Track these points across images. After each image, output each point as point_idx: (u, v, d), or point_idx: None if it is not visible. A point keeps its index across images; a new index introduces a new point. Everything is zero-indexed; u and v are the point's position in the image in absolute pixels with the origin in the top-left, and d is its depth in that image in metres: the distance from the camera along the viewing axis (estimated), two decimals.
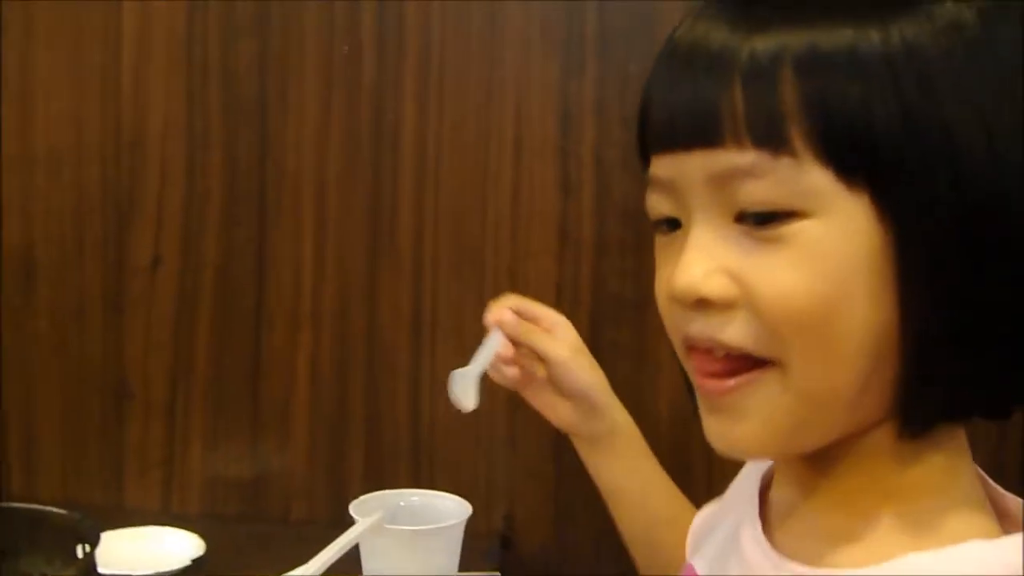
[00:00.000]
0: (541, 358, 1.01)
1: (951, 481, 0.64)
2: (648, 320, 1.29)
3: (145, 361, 1.35)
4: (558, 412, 1.04)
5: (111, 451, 1.37)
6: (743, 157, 0.60)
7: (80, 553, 0.97)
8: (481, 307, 1.30)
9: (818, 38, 0.60)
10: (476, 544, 1.21)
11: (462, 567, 1.18)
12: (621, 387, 1.30)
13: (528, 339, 1.01)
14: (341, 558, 1.05)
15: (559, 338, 1.02)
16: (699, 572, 0.76)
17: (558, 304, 1.30)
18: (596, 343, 1.30)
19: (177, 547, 1.23)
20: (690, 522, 0.93)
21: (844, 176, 0.59)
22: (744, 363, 0.62)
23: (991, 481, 0.67)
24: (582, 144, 1.28)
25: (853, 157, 0.59)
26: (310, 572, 1.01)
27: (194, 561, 1.20)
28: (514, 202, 1.30)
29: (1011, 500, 0.67)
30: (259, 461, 1.35)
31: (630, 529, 1.04)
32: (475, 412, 1.27)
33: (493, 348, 1.00)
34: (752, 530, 0.69)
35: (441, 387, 1.29)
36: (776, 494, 0.71)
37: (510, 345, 1.00)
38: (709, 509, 0.89)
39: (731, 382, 0.63)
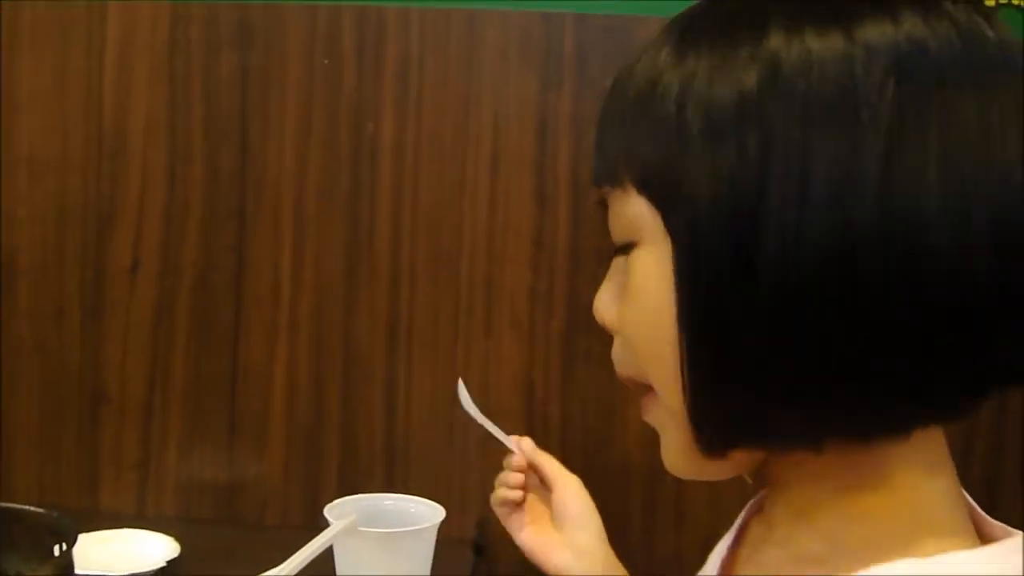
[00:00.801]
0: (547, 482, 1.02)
1: (920, 504, 0.63)
2: None
3: (123, 365, 1.37)
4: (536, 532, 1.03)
5: (87, 454, 1.38)
6: (603, 191, 0.66)
7: (56, 552, 0.98)
8: (457, 316, 1.34)
9: (639, 87, 0.65)
10: (449, 550, 1.23)
11: (435, 573, 1.20)
12: (594, 396, 1.33)
13: (534, 455, 1.02)
14: (315, 561, 1.06)
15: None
16: None
17: (532, 312, 1.33)
18: (570, 352, 1.33)
19: (151, 549, 1.24)
20: None
21: (651, 202, 0.63)
22: (645, 386, 0.65)
23: (979, 510, 0.67)
24: (558, 157, 1.30)
25: (648, 185, 0.63)
26: (284, 573, 1.03)
27: (169, 563, 1.22)
28: (490, 212, 1.32)
29: (999, 528, 0.66)
30: (235, 466, 1.37)
31: None
32: (450, 420, 1.29)
33: (503, 437, 1.03)
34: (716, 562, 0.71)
35: (417, 394, 1.33)
36: (754, 526, 0.71)
37: (523, 462, 1.01)
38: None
39: (643, 403, 0.66)
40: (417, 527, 1.13)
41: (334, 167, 1.33)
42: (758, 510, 0.71)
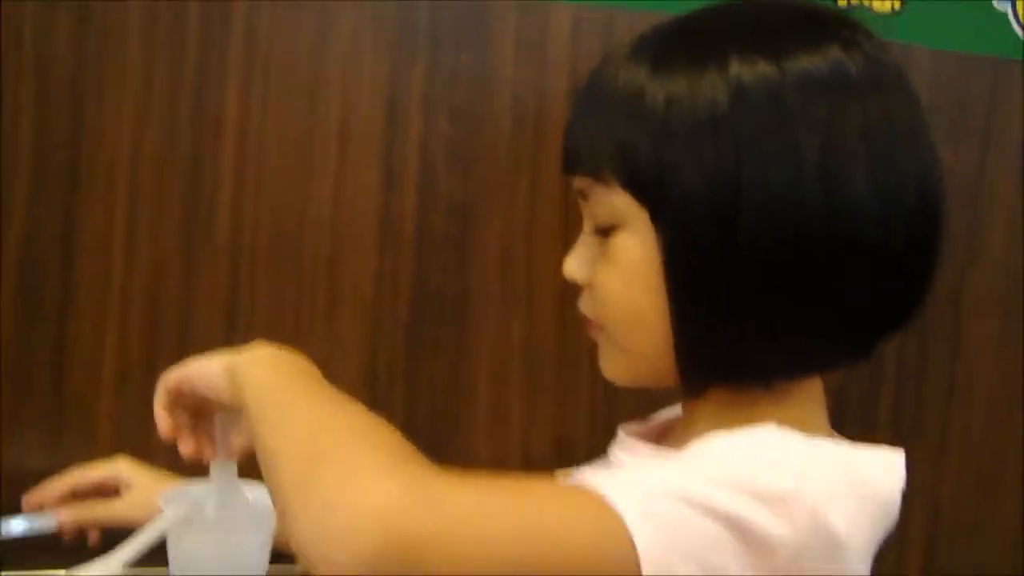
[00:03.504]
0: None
1: (795, 414, 0.83)
2: (469, 316, 1.30)
3: None
4: None
5: None
6: (583, 183, 0.86)
7: None
8: (300, 300, 1.29)
9: (624, 97, 0.83)
10: None
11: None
12: (440, 383, 1.31)
13: (97, 522, 1.18)
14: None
15: (124, 492, 1.18)
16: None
17: (377, 297, 1.29)
18: (416, 338, 1.30)
19: None
20: None
21: (638, 199, 0.82)
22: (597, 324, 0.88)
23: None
24: (407, 140, 1.27)
25: (635, 186, 0.82)
26: (109, 571, 0.97)
27: None
28: (336, 196, 1.28)
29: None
30: (60, 452, 1.29)
31: None
32: None
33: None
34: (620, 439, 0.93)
35: None
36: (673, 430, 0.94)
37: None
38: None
39: (591, 330, 0.90)
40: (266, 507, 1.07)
41: (174, 140, 1.27)
42: (670, 427, 0.96)
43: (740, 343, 0.82)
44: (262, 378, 0.87)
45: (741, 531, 0.70)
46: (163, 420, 1.00)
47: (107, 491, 1.18)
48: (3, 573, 1.13)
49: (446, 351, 1.30)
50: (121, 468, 1.19)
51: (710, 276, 0.80)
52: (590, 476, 0.74)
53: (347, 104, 1.27)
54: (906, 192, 0.81)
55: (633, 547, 0.68)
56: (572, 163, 0.88)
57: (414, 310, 1.29)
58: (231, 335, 1.28)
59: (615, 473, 0.82)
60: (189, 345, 1.28)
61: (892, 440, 0.82)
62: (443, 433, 1.32)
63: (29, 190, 1.27)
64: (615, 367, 0.89)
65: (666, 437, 0.95)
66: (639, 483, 0.72)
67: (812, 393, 0.87)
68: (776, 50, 0.80)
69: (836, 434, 0.88)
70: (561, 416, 1.31)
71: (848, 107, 0.80)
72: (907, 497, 0.80)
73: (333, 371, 1.27)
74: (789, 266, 0.79)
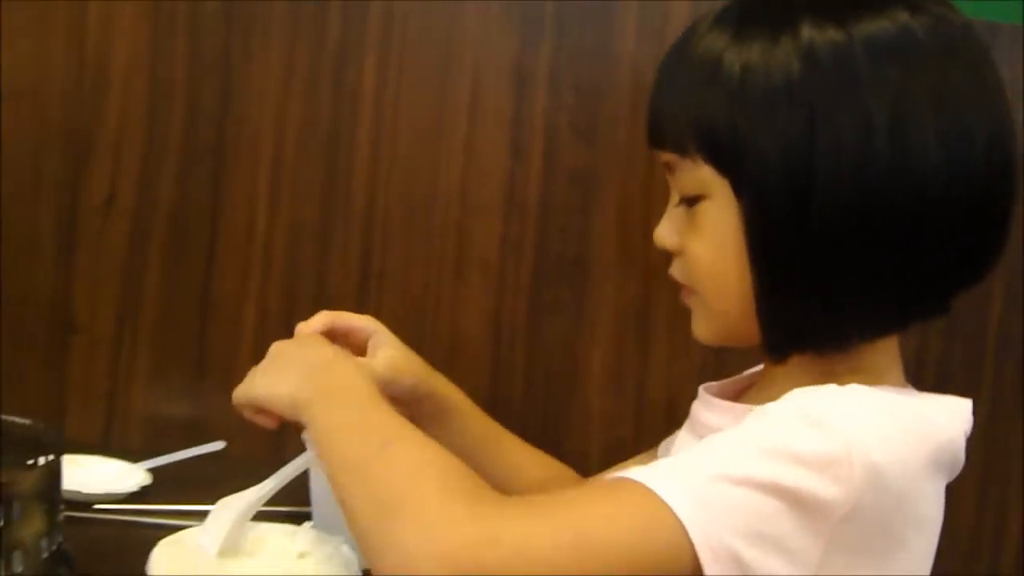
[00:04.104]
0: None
1: (870, 370, 0.86)
2: (588, 279, 1.37)
3: (93, 298, 1.38)
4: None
5: (54, 383, 1.39)
6: (668, 157, 0.89)
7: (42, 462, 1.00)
8: (429, 263, 1.37)
9: (703, 66, 0.86)
10: None
11: None
12: (559, 343, 1.38)
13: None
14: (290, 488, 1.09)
15: (378, 350, 1.11)
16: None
17: (502, 260, 1.37)
18: (537, 300, 1.38)
19: (122, 475, 1.26)
20: (548, 467, 1.19)
21: (719, 171, 0.85)
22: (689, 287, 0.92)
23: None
24: (534, 112, 1.35)
25: (716, 158, 0.85)
26: (263, 492, 1.05)
27: (142, 488, 1.24)
28: (465, 165, 1.36)
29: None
30: (202, 400, 1.39)
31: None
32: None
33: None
34: (702, 398, 0.96)
35: None
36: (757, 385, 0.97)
37: None
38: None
39: (684, 294, 0.93)
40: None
41: (314, 111, 1.36)
42: (750, 385, 0.98)
43: (819, 310, 0.83)
44: (324, 422, 0.93)
45: (791, 499, 0.72)
46: (260, 420, 1.04)
47: (355, 340, 1.13)
48: (152, 506, 1.21)
49: (565, 313, 1.37)
50: (376, 327, 1.13)
51: (788, 243, 0.82)
52: (635, 470, 0.76)
53: (477, 80, 1.35)
54: (975, 151, 0.82)
55: (687, 536, 0.70)
56: (657, 138, 0.91)
57: (536, 273, 1.37)
58: (363, 293, 1.37)
59: (658, 464, 0.80)
60: (324, 304, 1.37)
61: None
62: (560, 390, 1.39)
63: (179, 162, 1.37)
64: (705, 328, 0.92)
65: (746, 394, 0.98)
66: (683, 470, 0.74)
67: (888, 350, 0.89)
68: (846, 16, 0.82)
69: (909, 386, 0.89)
70: (672, 375, 1.37)
71: (916, 71, 0.81)
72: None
73: (459, 331, 1.38)
74: (863, 231, 0.80)
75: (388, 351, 1.12)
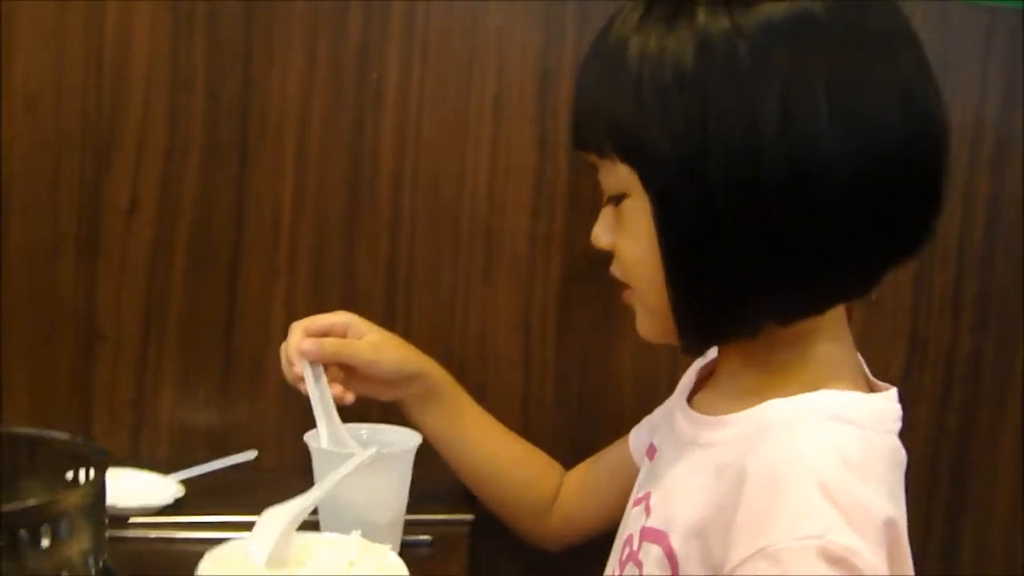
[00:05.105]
0: (348, 364, 1.15)
1: (818, 359, 0.88)
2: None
3: (118, 303, 1.36)
4: (381, 394, 1.19)
5: (80, 391, 1.37)
6: (590, 157, 0.91)
7: (84, 479, 0.97)
8: (456, 259, 1.36)
9: (611, 58, 0.86)
10: (453, 488, 1.26)
11: (439, 510, 1.23)
12: (588, 337, 1.37)
13: (337, 357, 1.14)
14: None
15: (359, 339, 1.16)
16: (656, 444, 1.03)
17: (531, 258, 1.35)
18: (566, 294, 1.36)
19: (155, 487, 1.24)
20: (530, 456, 1.25)
21: (631, 167, 0.85)
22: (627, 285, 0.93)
23: (868, 372, 0.93)
24: (559, 105, 1.33)
25: (625, 155, 0.86)
26: (308, 502, 1.03)
27: (176, 500, 1.22)
28: (492, 158, 1.34)
29: (882, 385, 0.91)
30: (230, 408, 1.37)
31: (467, 471, 1.24)
32: (447, 361, 1.30)
33: (316, 389, 1.12)
34: (680, 401, 0.99)
35: (415, 337, 1.33)
36: (711, 373, 1.00)
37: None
38: (667, 403, 1.11)
39: (624, 293, 0.94)
40: (396, 449, 1.14)
41: (338, 109, 1.33)
42: (708, 375, 1.01)
43: (724, 300, 0.85)
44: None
45: None
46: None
47: (336, 336, 1.16)
48: (189, 518, 1.20)
49: (595, 309, 1.35)
50: (350, 318, 1.17)
51: (687, 235, 0.83)
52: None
53: (502, 74, 1.33)
54: (879, 132, 0.81)
55: None
56: (578, 141, 0.93)
57: (565, 270, 1.35)
58: (391, 294, 1.35)
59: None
60: (352, 305, 1.35)
61: None
62: (592, 387, 1.37)
63: (202, 163, 1.34)
64: (645, 326, 0.93)
65: (704, 387, 1.00)
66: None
67: (831, 333, 0.89)
68: (743, 2, 0.81)
69: (857, 368, 0.91)
70: None
71: (810, 53, 0.80)
72: None
73: (489, 329, 1.36)
74: (760, 218, 0.80)
75: (370, 336, 1.17)
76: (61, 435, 1.00)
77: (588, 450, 1.26)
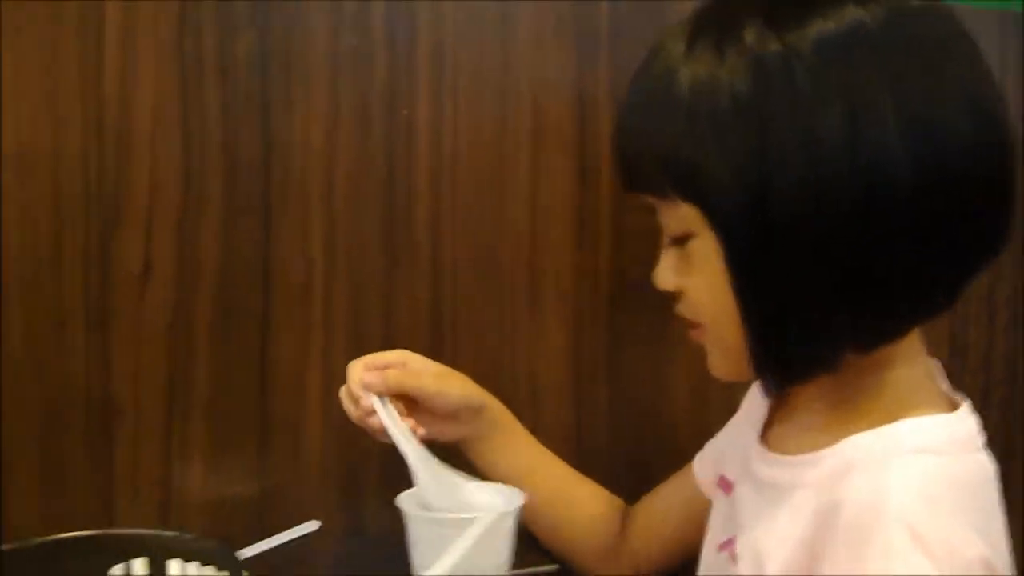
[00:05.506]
0: (412, 397, 1.11)
1: (898, 383, 0.86)
2: (667, 307, 1.31)
3: (136, 375, 1.24)
4: (446, 432, 1.15)
5: (99, 477, 1.25)
6: (646, 199, 0.88)
7: None
8: (501, 305, 1.30)
9: (659, 90, 0.83)
10: (532, 538, 1.21)
11: (519, 562, 1.17)
12: (639, 372, 1.33)
13: (401, 387, 1.10)
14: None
15: (419, 372, 1.13)
16: (730, 478, 1.00)
17: (577, 294, 1.31)
18: (615, 330, 1.32)
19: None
20: (594, 494, 1.22)
21: (695, 206, 0.82)
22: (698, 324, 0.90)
23: (946, 383, 0.91)
24: (599, 134, 1.28)
25: (688, 194, 0.82)
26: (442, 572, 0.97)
27: None
28: (532, 195, 1.28)
29: (959, 396, 0.90)
30: (266, 477, 1.28)
31: (529, 512, 1.15)
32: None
33: (391, 423, 1.08)
34: (753, 437, 0.97)
35: None
36: (783, 405, 0.96)
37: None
38: (724, 432, 1.12)
39: (693, 333, 0.92)
40: (501, 511, 1.08)
41: (367, 156, 1.25)
42: (777, 404, 0.97)
43: (801, 336, 0.81)
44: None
45: None
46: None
47: None
48: None
49: (646, 342, 1.32)
50: (408, 354, 1.14)
51: (763, 272, 0.80)
52: None
53: (537, 104, 1.27)
54: (946, 140, 0.78)
55: None
56: (630, 182, 0.89)
57: (613, 303, 1.31)
58: (437, 345, 1.28)
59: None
60: None
61: None
62: (646, 421, 1.34)
63: (221, 221, 1.24)
64: (719, 366, 0.91)
65: (773, 426, 0.97)
66: None
67: (911, 352, 0.87)
68: (792, 22, 0.78)
69: (938, 388, 0.89)
70: None
71: (869, 67, 0.77)
72: None
73: (538, 369, 1.31)
74: (832, 247, 0.77)
75: (431, 368, 1.14)
76: (187, 535, 1.02)
77: (645, 482, 1.23)
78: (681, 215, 0.84)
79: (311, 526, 1.24)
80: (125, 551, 1.01)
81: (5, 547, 0.96)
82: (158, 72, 1.21)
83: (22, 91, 1.20)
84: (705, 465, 1.14)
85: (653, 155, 0.84)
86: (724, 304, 0.83)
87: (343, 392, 1.11)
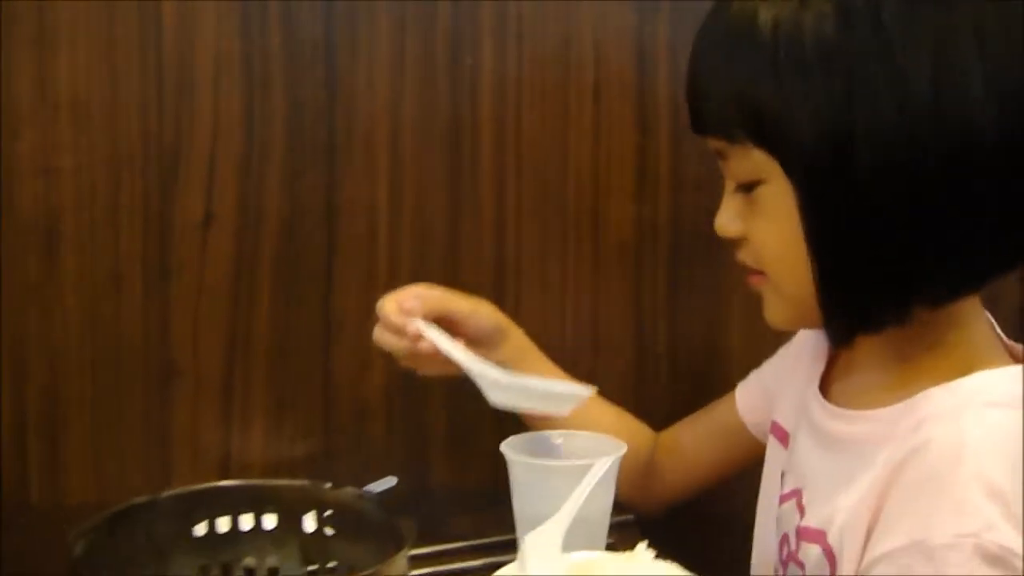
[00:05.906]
0: (448, 319, 1.07)
1: (965, 340, 0.84)
2: (724, 255, 1.32)
3: (195, 333, 1.21)
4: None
5: (156, 439, 1.21)
6: (717, 143, 0.86)
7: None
8: (565, 250, 1.29)
9: (738, 31, 0.81)
10: None
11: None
12: (697, 318, 1.34)
13: (442, 307, 1.07)
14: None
15: (451, 296, 1.09)
16: (785, 427, 0.99)
17: (638, 242, 1.31)
18: (674, 277, 1.32)
19: None
20: (622, 420, 1.19)
21: (769, 153, 0.81)
22: (759, 271, 0.88)
23: (1005, 338, 0.89)
24: (658, 85, 1.28)
25: (763, 140, 0.81)
26: (564, 523, 0.95)
27: None
28: (594, 145, 1.28)
29: (1019, 348, 0.89)
30: (330, 436, 1.25)
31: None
32: (562, 361, 1.23)
33: (443, 340, 1.04)
34: (813, 390, 0.94)
35: (525, 331, 1.24)
36: (843, 359, 0.94)
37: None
38: (770, 370, 1.12)
39: (753, 279, 0.90)
40: (613, 456, 1.06)
41: (431, 102, 1.23)
42: (835, 357, 0.95)
43: (876, 287, 0.81)
44: None
45: None
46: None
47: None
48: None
49: (703, 289, 1.32)
50: (430, 285, 1.10)
51: (840, 221, 0.79)
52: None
53: (598, 55, 1.27)
54: None
55: None
56: (700, 125, 0.88)
57: (672, 252, 1.31)
58: (500, 293, 1.26)
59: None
60: None
61: None
62: (703, 365, 1.34)
63: (285, 168, 1.21)
64: (777, 313, 0.89)
65: (833, 381, 0.95)
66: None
67: (975, 310, 0.86)
68: None
69: (1003, 342, 0.88)
70: None
71: (953, 12, 0.77)
72: None
73: (600, 317, 1.31)
74: (916, 197, 0.77)
75: (459, 294, 1.10)
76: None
77: None
78: (752, 161, 0.82)
79: (389, 482, 1.20)
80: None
81: (136, 500, 0.92)
82: (219, 15, 1.18)
83: (78, 39, 1.15)
84: (751, 398, 1.13)
85: (729, 96, 0.82)
86: (792, 252, 0.82)
87: (377, 332, 1.06)
